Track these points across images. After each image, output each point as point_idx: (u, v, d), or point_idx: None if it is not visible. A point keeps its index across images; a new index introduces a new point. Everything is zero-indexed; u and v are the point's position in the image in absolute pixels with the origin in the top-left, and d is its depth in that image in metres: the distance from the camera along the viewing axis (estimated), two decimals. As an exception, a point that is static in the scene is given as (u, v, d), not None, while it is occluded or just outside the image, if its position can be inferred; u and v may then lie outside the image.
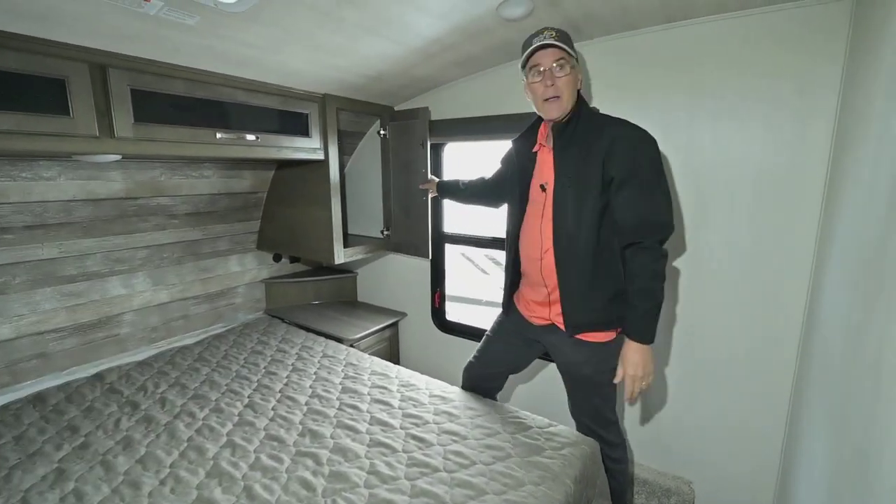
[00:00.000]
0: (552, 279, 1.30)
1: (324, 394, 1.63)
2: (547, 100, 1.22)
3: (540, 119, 1.33)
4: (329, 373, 1.79)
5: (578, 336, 1.30)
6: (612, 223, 1.21)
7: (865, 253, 0.91)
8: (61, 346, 1.73)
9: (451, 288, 2.39)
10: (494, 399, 1.67)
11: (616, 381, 1.27)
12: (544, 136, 1.33)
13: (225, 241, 2.21)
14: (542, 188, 1.30)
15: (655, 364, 1.26)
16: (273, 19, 1.24)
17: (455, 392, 1.67)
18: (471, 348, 2.12)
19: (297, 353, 1.94)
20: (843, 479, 0.87)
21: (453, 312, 2.43)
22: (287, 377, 1.75)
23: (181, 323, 2.09)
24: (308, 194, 2.04)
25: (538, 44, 1.17)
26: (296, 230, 2.14)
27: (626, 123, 1.22)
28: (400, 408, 1.56)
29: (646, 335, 1.21)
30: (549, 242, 1.27)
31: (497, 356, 1.59)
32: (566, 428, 1.46)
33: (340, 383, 1.71)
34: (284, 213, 2.19)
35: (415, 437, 1.40)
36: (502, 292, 1.53)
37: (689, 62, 1.53)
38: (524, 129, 1.42)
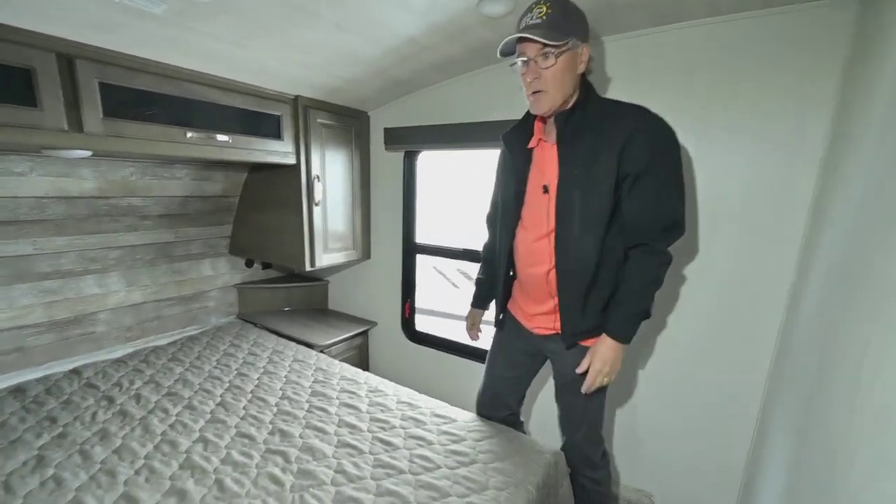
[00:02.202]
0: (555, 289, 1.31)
1: (294, 396, 1.83)
2: (533, 93, 1.19)
3: None
4: (299, 377, 1.99)
5: (578, 343, 1.35)
6: (619, 225, 1.21)
7: (845, 267, 0.97)
8: (39, 341, 1.92)
9: (422, 301, 2.59)
10: (522, 430, 1.73)
11: (579, 370, 1.31)
12: (542, 129, 1.29)
13: (198, 245, 2.41)
14: (545, 189, 1.26)
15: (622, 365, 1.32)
16: (240, 10, 1.32)
17: (423, 399, 1.87)
18: (439, 359, 2.40)
19: (268, 357, 2.15)
20: (805, 487, 0.92)
21: (425, 326, 2.63)
22: (258, 379, 1.95)
23: (155, 324, 2.29)
24: (279, 199, 2.24)
25: (516, 35, 1.14)
26: (267, 236, 2.34)
27: (646, 112, 1.18)
28: (368, 412, 1.77)
29: (625, 336, 1.25)
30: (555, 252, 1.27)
31: (501, 373, 1.63)
32: (531, 438, 1.64)
33: (310, 387, 1.92)
34: (256, 219, 2.39)
35: (381, 441, 1.58)
36: (494, 307, 1.60)
37: (680, 66, 1.59)
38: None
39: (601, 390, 1.38)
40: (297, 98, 2.07)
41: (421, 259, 2.50)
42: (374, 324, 2.61)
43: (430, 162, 2.44)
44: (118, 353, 2.09)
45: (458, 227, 5.63)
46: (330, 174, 2.25)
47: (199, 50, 1.55)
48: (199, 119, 1.73)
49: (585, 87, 1.23)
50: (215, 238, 2.48)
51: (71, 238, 1.94)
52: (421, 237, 2.47)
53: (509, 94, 1.95)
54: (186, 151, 1.71)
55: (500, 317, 1.58)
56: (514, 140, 1.37)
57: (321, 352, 2.29)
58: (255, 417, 1.69)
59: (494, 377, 1.67)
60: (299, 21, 1.42)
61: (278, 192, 2.24)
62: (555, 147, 1.25)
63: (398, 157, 2.37)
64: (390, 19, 1.47)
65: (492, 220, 1.64)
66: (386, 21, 1.48)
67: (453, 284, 5.13)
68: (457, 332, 2.50)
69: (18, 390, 1.74)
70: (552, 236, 1.26)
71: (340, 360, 2.25)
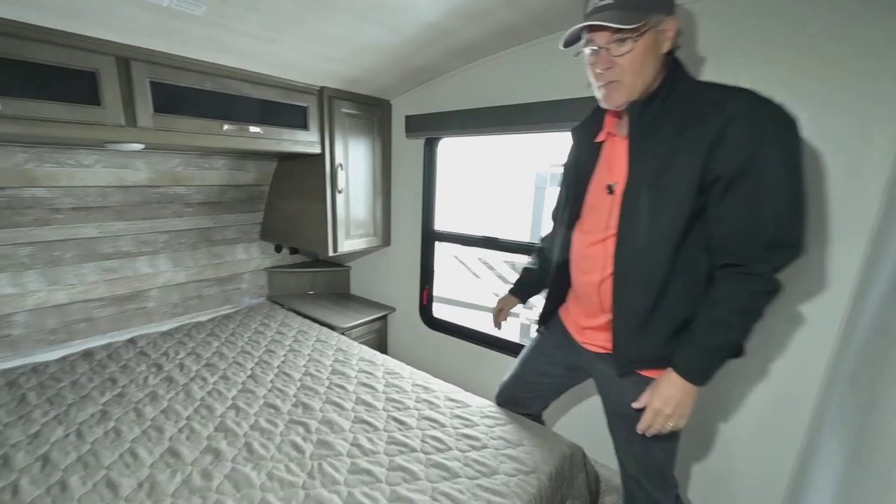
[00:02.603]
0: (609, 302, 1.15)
1: (315, 373, 2.05)
2: (604, 85, 1.03)
3: None
4: (321, 355, 2.20)
5: (636, 372, 1.15)
6: (702, 237, 1.01)
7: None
8: (103, 312, 2.23)
9: (443, 290, 2.72)
10: (540, 421, 1.71)
11: (635, 405, 1.11)
12: (614, 122, 1.14)
13: (233, 230, 2.66)
14: (610, 190, 1.11)
15: (693, 409, 1.06)
16: (268, 6, 1.43)
17: (437, 383, 2.00)
18: (455, 346, 2.50)
19: (293, 336, 2.38)
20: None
21: (444, 314, 2.76)
22: (284, 356, 2.18)
23: (196, 302, 2.57)
24: (305, 187, 2.41)
25: (585, 24, 0.98)
26: (294, 222, 2.53)
27: (751, 95, 0.94)
28: (384, 392, 1.94)
29: (696, 374, 1.02)
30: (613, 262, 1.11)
31: (532, 377, 1.56)
32: (547, 429, 1.66)
33: (331, 365, 2.12)
34: (284, 206, 2.59)
35: (396, 420, 1.68)
36: (543, 302, 1.47)
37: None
38: (583, 116, 1.26)
39: (671, 436, 1.15)
40: (322, 89, 2.21)
41: (441, 248, 2.60)
42: (392, 309, 2.78)
43: (450, 149, 2.51)
44: (165, 327, 2.37)
45: (478, 214, 5.67)
46: (352, 162, 2.39)
47: (234, 47, 1.71)
48: (234, 112, 1.90)
49: (672, 67, 1.02)
50: (248, 224, 2.72)
51: (128, 223, 2.22)
52: (441, 224, 2.57)
53: (530, 76, 1.93)
54: (224, 143, 1.90)
55: (545, 318, 1.47)
56: (582, 134, 1.24)
57: (342, 334, 2.50)
58: (280, 390, 1.91)
59: (522, 377, 1.60)
60: (321, 12, 1.50)
61: (304, 180, 2.41)
62: (626, 142, 1.08)
63: (419, 144, 2.45)
64: (409, 4, 1.49)
65: (554, 216, 1.49)
66: (405, 7, 1.51)
67: (474, 274, 5.15)
68: (475, 322, 2.57)
69: (87, 354, 2.05)
70: (610, 242, 1.11)
71: (360, 343, 2.45)
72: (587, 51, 1.03)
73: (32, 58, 1.37)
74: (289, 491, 1.33)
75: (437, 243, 2.60)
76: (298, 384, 1.96)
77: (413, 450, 1.53)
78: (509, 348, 2.37)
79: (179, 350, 2.16)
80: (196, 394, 1.84)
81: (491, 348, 2.42)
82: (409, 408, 1.80)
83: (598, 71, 1.02)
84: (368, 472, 1.40)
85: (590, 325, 1.26)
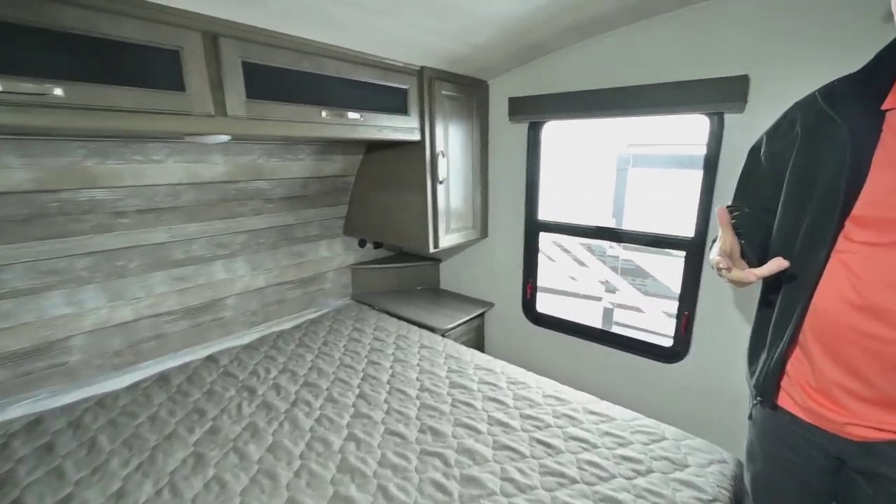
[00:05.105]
0: None
1: (433, 388, 1.60)
2: None
3: None
4: (432, 365, 1.76)
5: None
6: None
7: None
8: (175, 327, 1.81)
9: (541, 278, 2.29)
10: None
11: None
12: None
13: (315, 226, 2.23)
14: None
15: None
16: None
17: (570, 393, 1.60)
18: (562, 341, 2.13)
19: (394, 343, 1.93)
20: None
21: (546, 306, 2.34)
22: (391, 368, 1.74)
23: (277, 307, 2.14)
24: (400, 177, 1.99)
25: None
26: (386, 216, 2.11)
27: None
28: (515, 407, 1.51)
29: None
30: None
31: None
32: (703, 441, 1.36)
33: (446, 377, 1.68)
34: (374, 198, 2.16)
35: (540, 442, 1.35)
36: (762, 371, 0.93)
37: None
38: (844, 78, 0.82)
39: None
40: (422, 69, 1.79)
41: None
42: (491, 305, 2.35)
43: (553, 133, 2.09)
44: (246, 339, 1.95)
45: (562, 198, 5.16)
46: (452, 149, 1.97)
47: (337, 20, 1.32)
48: (331, 97, 1.52)
49: None
50: (331, 219, 2.28)
51: (202, 224, 1.79)
52: (543, 213, 2.16)
53: (651, 55, 1.62)
54: (321, 131, 1.50)
55: (768, 386, 0.93)
56: (846, 98, 0.80)
57: (443, 336, 2.05)
58: (399, 413, 1.47)
59: None
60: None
61: (399, 169, 1.99)
62: None
63: (520, 128, 2.05)
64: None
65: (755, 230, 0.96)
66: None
67: (579, 262, 4.51)
68: (578, 312, 2.19)
69: (162, 379, 1.63)
70: None
71: (459, 343, 2.01)
72: None
73: (98, 32, 1.00)
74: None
75: (541, 234, 2.18)
76: (418, 403, 1.52)
77: (574, 480, 1.21)
78: (626, 344, 1.97)
79: (270, 367, 1.73)
80: (303, 423, 1.41)
81: (603, 343, 2.02)
82: (549, 426, 1.43)
83: None
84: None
85: (861, 398, 0.78)
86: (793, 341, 0.86)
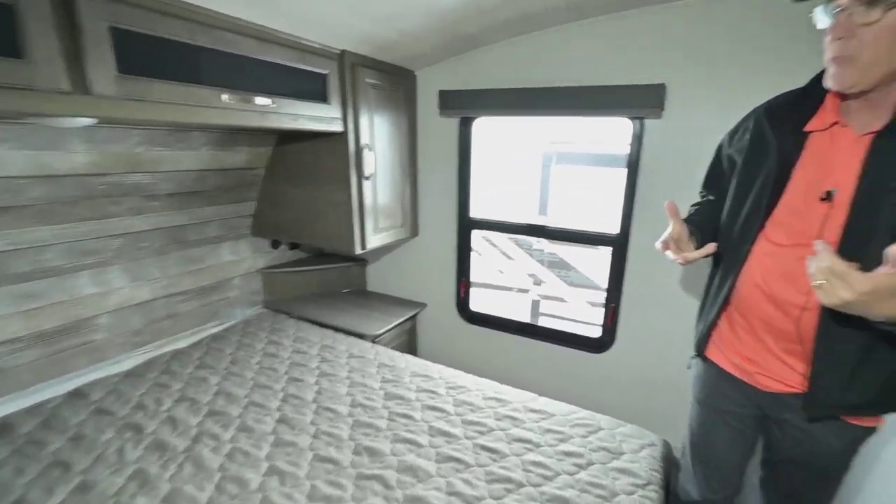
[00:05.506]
0: (813, 334, 0.87)
1: (367, 402, 1.45)
2: (833, 58, 0.77)
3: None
4: (363, 376, 1.59)
5: (838, 417, 0.92)
6: None
7: None
8: (19, 359, 1.39)
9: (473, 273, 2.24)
10: None
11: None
12: (835, 108, 0.84)
13: (215, 226, 1.90)
14: (827, 196, 0.83)
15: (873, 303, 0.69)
16: None
17: (510, 392, 1.56)
18: (497, 339, 2.11)
19: (318, 355, 1.72)
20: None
21: (479, 302, 2.30)
22: (317, 384, 1.53)
23: (168, 323, 1.78)
24: (320, 172, 1.77)
25: None
26: (304, 214, 1.87)
27: None
28: (456, 414, 1.43)
29: None
30: None
31: (723, 456, 1.14)
32: (634, 427, 1.42)
33: (381, 388, 1.53)
34: (290, 194, 1.90)
35: (484, 448, 1.28)
36: (699, 330, 1.11)
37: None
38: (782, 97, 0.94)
39: (838, 481, 1.00)
40: (343, 53, 1.60)
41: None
42: (423, 305, 2.23)
43: (482, 128, 2.03)
44: (128, 365, 1.57)
45: (485, 195, 5.30)
46: (379, 143, 1.81)
47: None
48: (235, 79, 1.29)
49: None
50: (235, 218, 1.96)
51: (57, 227, 1.39)
52: (474, 210, 2.10)
53: (584, 55, 1.63)
54: (223, 118, 1.25)
55: (703, 344, 1.10)
56: (782, 117, 0.91)
57: (373, 342, 1.89)
58: (330, 435, 1.29)
59: (709, 454, 1.16)
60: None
61: (319, 163, 1.76)
62: (864, 140, 0.80)
63: (450, 123, 1.96)
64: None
65: (704, 215, 1.13)
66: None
67: (506, 256, 4.58)
68: (507, 305, 2.19)
69: (4, 428, 1.23)
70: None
71: (391, 348, 1.87)
72: (820, 13, 0.76)
73: None
74: None
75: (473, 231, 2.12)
76: (350, 421, 1.35)
77: (520, 484, 1.17)
78: (558, 337, 2.00)
79: (161, 397, 1.40)
80: (210, 462, 1.16)
81: (536, 338, 2.03)
82: (492, 429, 1.38)
83: (831, 38, 0.76)
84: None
85: (769, 356, 0.96)
86: (722, 311, 1.03)
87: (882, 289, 0.66)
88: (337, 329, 1.93)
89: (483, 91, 1.80)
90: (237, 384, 1.50)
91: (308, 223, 1.87)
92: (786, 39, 1.32)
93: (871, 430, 0.93)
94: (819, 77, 0.85)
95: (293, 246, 2.26)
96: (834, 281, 0.68)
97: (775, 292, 0.89)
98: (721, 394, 1.08)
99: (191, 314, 1.85)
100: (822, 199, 0.83)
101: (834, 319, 0.81)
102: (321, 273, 2.26)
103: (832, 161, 0.84)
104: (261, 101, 1.34)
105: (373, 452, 1.23)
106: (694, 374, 1.17)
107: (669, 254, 1.00)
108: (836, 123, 0.84)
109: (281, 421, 1.33)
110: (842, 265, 0.68)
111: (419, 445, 1.27)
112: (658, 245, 1.02)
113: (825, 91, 0.84)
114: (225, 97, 1.24)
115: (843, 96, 0.83)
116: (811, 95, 0.88)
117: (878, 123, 0.78)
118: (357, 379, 1.57)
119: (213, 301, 1.93)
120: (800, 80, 0.92)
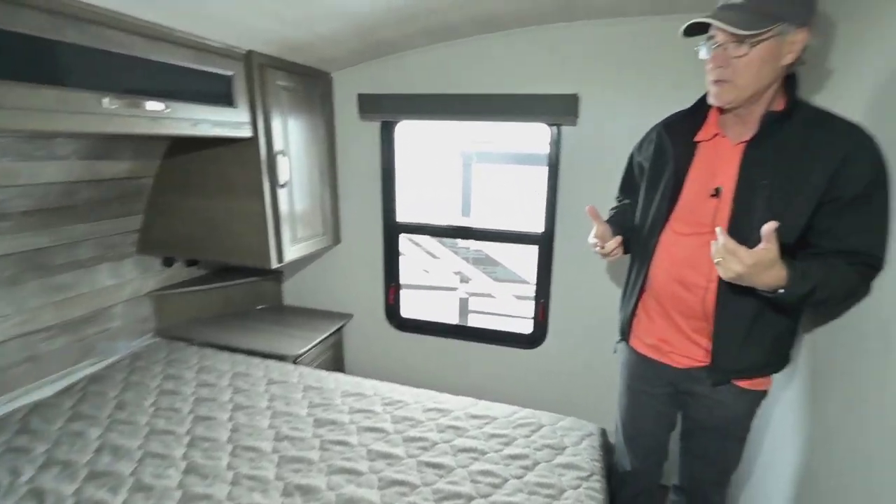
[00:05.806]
0: (713, 308, 1.01)
1: (293, 433, 1.28)
2: (715, 82, 0.93)
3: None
4: (288, 403, 1.42)
5: (733, 382, 1.06)
6: (802, 248, 0.95)
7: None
8: None
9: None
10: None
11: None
12: (719, 121, 1.02)
13: (88, 247, 1.56)
14: (716, 193, 0.99)
15: (759, 279, 0.85)
16: None
17: (451, 401, 1.52)
18: (429, 344, 2.04)
19: (230, 385, 1.50)
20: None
21: (409, 305, 2.21)
22: (231, 420, 1.33)
23: (25, 369, 1.41)
24: (228, 181, 1.57)
25: (702, 20, 0.89)
26: (206, 227, 1.63)
27: (864, 131, 0.91)
28: (396, 431, 1.34)
29: (794, 283, 0.85)
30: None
31: (649, 430, 1.27)
32: (573, 419, 1.45)
33: (309, 415, 1.37)
34: (187, 206, 1.64)
35: (429, 465, 1.22)
36: (621, 317, 1.24)
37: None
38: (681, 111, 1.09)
39: (744, 441, 1.16)
40: (249, 54, 1.44)
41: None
42: (349, 316, 2.07)
43: (404, 130, 1.95)
44: (-33, 427, 1.22)
45: (429, 198, 5.20)
46: (294, 148, 1.65)
47: None
48: (121, 81, 1.11)
49: (790, 83, 0.94)
50: (116, 235, 1.62)
51: None
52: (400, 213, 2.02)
53: (500, 65, 1.67)
54: (105, 125, 1.06)
55: (627, 328, 1.23)
56: (677, 130, 1.08)
57: (295, 362, 1.70)
58: (252, 478, 1.12)
59: (638, 432, 1.28)
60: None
61: (224, 171, 1.55)
62: (739, 147, 0.97)
63: (371, 126, 1.86)
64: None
65: (622, 210, 1.30)
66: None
67: (430, 255, 4.46)
68: (435, 306, 2.15)
69: None
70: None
71: (316, 368, 1.71)
72: (703, 48, 0.94)
73: None
74: None
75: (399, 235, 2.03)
76: (276, 459, 1.19)
77: (470, 497, 1.12)
78: (491, 337, 2.00)
79: (20, 464, 1.08)
80: (94, 539, 0.92)
81: (469, 339, 2.01)
82: (436, 443, 1.32)
83: (712, 66, 0.93)
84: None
85: (679, 336, 1.10)
86: (639, 298, 1.16)
87: (763, 261, 0.82)
88: (251, 353, 1.71)
89: (404, 96, 1.75)
90: (127, 434, 1.23)
91: (212, 237, 1.62)
92: (677, 60, 1.45)
93: (763, 394, 1.10)
94: (704, 97, 1.02)
95: (191, 263, 1.96)
96: (728, 257, 0.84)
97: (682, 275, 1.04)
98: (641, 377, 1.21)
99: (57, 354, 1.49)
100: (712, 196, 1.00)
101: (731, 293, 0.97)
102: (227, 290, 1.99)
103: (716, 165, 1.01)
104: (152, 105, 1.15)
105: (306, 491, 1.09)
106: (620, 361, 1.29)
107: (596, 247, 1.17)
108: (717, 135, 1.02)
109: (189, 471, 1.12)
110: (732, 244, 0.83)
111: (359, 474, 1.16)
112: (590, 241, 1.17)
113: (709, 108, 1.03)
114: (106, 102, 1.05)
115: (721, 111, 1.00)
116: (698, 112, 1.06)
117: (748, 134, 0.95)
118: (280, 408, 1.39)
119: (88, 335, 1.58)
120: (688, 93, 1.06)
